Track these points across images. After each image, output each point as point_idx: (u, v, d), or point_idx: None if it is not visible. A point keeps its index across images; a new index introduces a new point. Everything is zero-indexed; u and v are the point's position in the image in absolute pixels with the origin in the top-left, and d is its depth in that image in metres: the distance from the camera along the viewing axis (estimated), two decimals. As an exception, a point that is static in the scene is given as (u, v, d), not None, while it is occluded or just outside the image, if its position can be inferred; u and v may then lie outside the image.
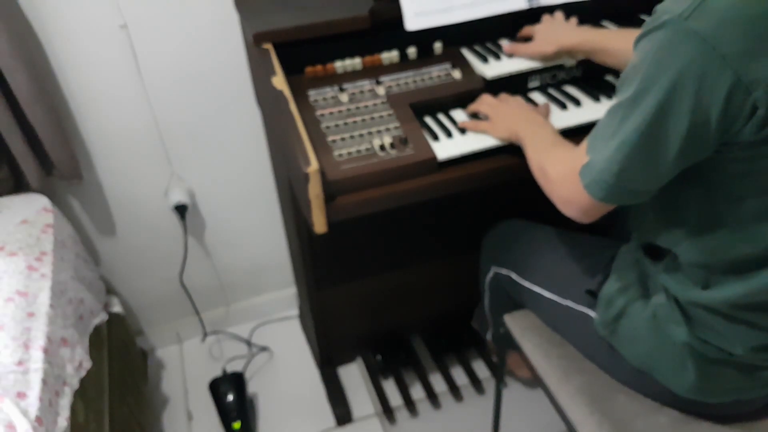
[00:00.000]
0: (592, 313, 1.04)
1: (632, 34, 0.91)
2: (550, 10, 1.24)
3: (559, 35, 1.16)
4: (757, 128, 0.69)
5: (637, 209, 0.94)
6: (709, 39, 0.66)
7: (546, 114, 1.12)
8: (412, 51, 1.20)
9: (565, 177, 0.88)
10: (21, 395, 0.95)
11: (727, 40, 0.66)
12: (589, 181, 0.82)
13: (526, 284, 1.17)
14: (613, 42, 1.10)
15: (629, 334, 0.97)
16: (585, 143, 0.86)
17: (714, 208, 0.80)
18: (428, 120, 1.14)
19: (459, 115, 1.16)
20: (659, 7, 0.72)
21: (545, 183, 0.94)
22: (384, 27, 1.16)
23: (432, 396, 1.68)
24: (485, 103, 1.12)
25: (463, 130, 1.11)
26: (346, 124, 1.08)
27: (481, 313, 1.49)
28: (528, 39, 1.24)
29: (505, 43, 1.24)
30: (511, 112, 1.08)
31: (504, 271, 1.23)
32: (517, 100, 1.13)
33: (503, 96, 1.14)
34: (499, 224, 1.32)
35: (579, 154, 0.85)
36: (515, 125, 1.05)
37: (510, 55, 1.20)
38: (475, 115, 1.14)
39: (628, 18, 1.31)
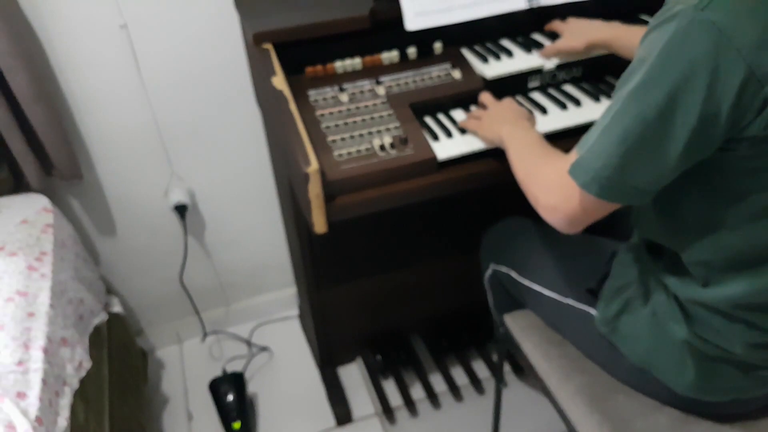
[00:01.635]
0: (593, 311, 1.04)
1: None
2: (550, 10, 1.23)
3: (589, 30, 1.16)
4: (766, 123, 0.68)
5: (638, 209, 0.94)
6: (725, 30, 0.65)
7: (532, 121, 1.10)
8: (412, 51, 1.20)
9: (553, 182, 0.85)
10: (21, 395, 0.95)
11: (742, 32, 0.65)
12: (586, 180, 0.78)
13: (526, 282, 1.17)
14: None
15: (629, 331, 0.97)
16: (575, 149, 0.83)
17: (716, 205, 0.79)
18: (428, 120, 1.14)
19: (459, 115, 1.16)
20: (669, 0, 0.71)
21: (532, 188, 0.91)
22: (384, 27, 1.16)
23: (432, 396, 1.68)
24: (481, 102, 1.13)
25: (463, 130, 1.11)
26: (346, 124, 1.08)
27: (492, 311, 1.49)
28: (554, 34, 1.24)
29: (539, 37, 1.24)
30: (499, 115, 1.06)
31: (503, 269, 1.23)
32: (509, 104, 1.10)
33: (506, 100, 1.13)
34: (498, 222, 1.31)
35: (570, 159, 0.82)
36: (499, 128, 1.03)
37: (549, 58, 1.20)
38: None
39: (628, 18, 1.31)
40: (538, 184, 0.89)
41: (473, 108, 1.17)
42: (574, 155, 0.82)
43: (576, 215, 0.83)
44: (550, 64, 1.19)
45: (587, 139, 0.80)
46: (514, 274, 1.20)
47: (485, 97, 1.13)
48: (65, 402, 1.06)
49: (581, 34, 1.16)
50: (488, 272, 1.31)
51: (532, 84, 1.22)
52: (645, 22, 1.30)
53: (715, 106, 0.68)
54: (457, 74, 1.18)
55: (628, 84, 0.74)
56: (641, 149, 0.74)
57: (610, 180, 0.77)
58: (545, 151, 0.94)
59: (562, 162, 0.84)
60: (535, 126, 1.05)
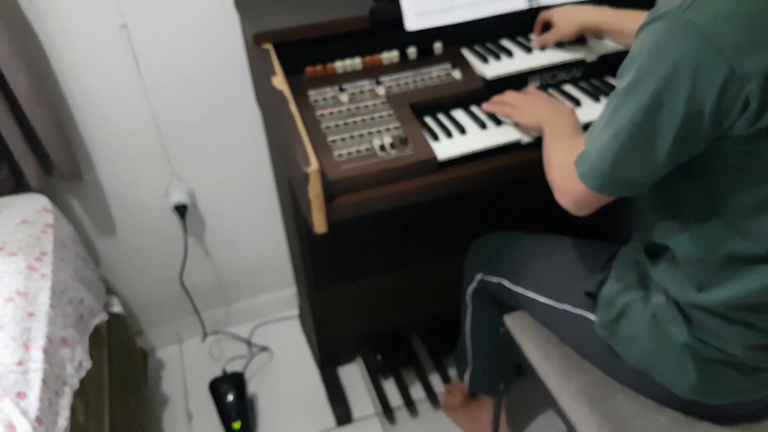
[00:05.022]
0: (590, 316, 1.03)
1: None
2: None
3: (579, 14, 1.17)
4: (749, 122, 0.70)
5: (639, 208, 0.95)
6: (706, 31, 0.67)
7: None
8: (412, 51, 1.20)
9: (563, 167, 0.89)
10: (21, 395, 0.95)
11: (722, 33, 0.66)
12: (583, 171, 0.83)
13: (520, 290, 1.16)
14: (631, 23, 1.10)
15: (629, 334, 0.97)
16: (586, 135, 0.87)
17: (710, 201, 0.80)
18: (428, 120, 1.14)
19: (459, 115, 1.16)
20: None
21: (548, 171, 0.95)
22: (384, 27, 1.16)
23: (432, 396, 1.68)
24: (512, 94, 1.13)
25: (463, 130, 1.11)
26: (346, 124, 1.08)
27: (461, 348, 1.45)
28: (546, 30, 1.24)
29: (533, 37, 1.24)
30: (538, 102, 1.09)
31: (494, 279, 1.22)
32: (545, 94, 1.13)
33: (533, 91, 1.15)
34: (484, 236, 1.31)
35: (581, 145, 0.86)
36: (540, 113, 1.05)
37: (542, 48, 1.21)
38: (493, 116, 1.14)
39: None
40: (554, 166, 0.93)
41: (474, 108, 1.17)
42: (584, 140, 0.86)
43: (581, 200, 0.87)
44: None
45: (592, 129, 0.84)
46: (506, 283, 1.19)
47: (513, 92, 1.14)
48: (65, 402, 1.06)
49: (571, 19, 1.17)
50: (473, 285, 1.29)
51: (532, 84, 1.22)
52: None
53: (698, 105, 0.70)
54: (457, 74, 1.18)
55: (624, 80, 0.77)
56: (632, 146, 0.77)
57: (603, 174, 0.81)
58: (571, 136, 0.97)
59: (575, 149, 0.88)
60: (574, 115, 1.06)
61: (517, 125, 1.11)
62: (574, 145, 0.90)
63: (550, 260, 1.14)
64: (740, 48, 0.66)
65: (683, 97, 0.70)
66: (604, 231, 1.25)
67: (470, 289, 1.31)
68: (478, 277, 1.27)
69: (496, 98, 1.14)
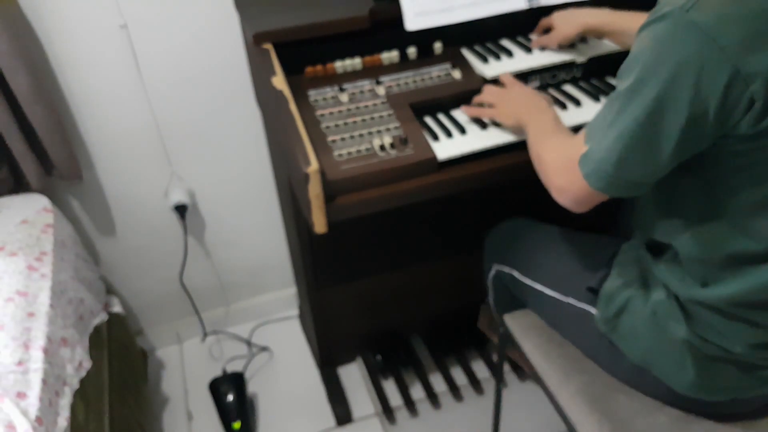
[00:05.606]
0: (593, 311, 1.04)
1: None
2: (550, 10, 1.23)
3: (580, 16, 1.17)
4: (754, 121, 0.70)
5: (640, 205, 0.95)
6: (709, 31, 0.66)
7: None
8: (412, 51, 1.20)
9: (561, 165, 0.88)
10: (21, 395, 0.95)
11: (726, 33, 0.66)
12: (588, 171, 0.83)
13: (528, 282, 1.17)
14: (632, 24, 1.10)
15: (630, 330, 0.97)
16: (583, 132, 0.86)
17: (713, 199, 0.80)
18: (428, 120, 1.14)
19: (459, 115, 1.16)
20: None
21: (540, 170, 0.95)
22: (384, 27, 1.16)
23: (432, 396, 1.68)
24: (489, 92, 1.12)
25: (463, 130, 1.11)
26: (346, 124, 1.08)
27: (487, 312, 1.49)
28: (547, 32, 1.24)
29: (533, 37, 1.25)
30: (515, 99, 1.08)
31: (506, 269, 1.24)
32: (521, 86, 1.12)
33: (509, 80, 1.14)
34: (501, 223, 1.32)
35: (577, 143, 0.86)
36: (518, 111, 1.05)
37: (542, 49, 1.21)
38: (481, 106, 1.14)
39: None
40: (549, 165, 0.92)
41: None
42: (581, 138, 0.86)
43: (581, 198, 0.87)
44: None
45: (594, 129, 0.83)
46: (516, 274, 1.20)
47: (491, 88, 1.13)
48: (65, 402, 1.06)
49: (572, 21, 1.17)
50: (491, 273, 1.31)
51: (532, 84, 1.22)
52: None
53: (703, 105, 0.70)
54: (457, 74, 1.18)
55: (626, 80, 0.77)
56: (636, 147, 0.77)
57: (608, 174, 0.80)
58: (558, 132, 0.97)
59: (570, 145, 0.88)
60: (551, 107, 1.05)
61: None
62: (564, 141, 0.90)
63: (558, 253, 1.14)
64: (744, 47, 0.66)
65: (687, 98, 0.70)
66: (607, 227, 1.25)
67: (490, 276, 1.33)
68: (495, 266, 1.28)
69: (476, 98, 1.13)
